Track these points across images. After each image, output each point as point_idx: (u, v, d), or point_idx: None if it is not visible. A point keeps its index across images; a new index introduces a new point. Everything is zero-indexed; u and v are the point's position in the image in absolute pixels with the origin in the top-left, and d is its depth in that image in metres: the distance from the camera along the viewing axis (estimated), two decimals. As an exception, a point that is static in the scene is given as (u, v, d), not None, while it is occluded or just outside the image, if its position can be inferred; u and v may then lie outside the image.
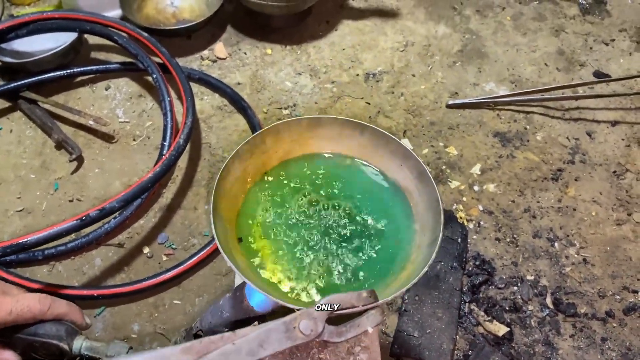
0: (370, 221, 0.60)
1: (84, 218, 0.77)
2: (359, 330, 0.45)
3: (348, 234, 0.59)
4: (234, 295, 0.65)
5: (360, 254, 0.58)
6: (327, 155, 0.65)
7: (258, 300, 0.59)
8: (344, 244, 0.59)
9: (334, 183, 0.63)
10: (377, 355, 0.75)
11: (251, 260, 0.57)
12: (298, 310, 0.44)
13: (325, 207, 0.61)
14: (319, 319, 0.43)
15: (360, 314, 0.45)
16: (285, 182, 0.63)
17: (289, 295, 0.56)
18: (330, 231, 0.60)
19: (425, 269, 0.50)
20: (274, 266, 0.57)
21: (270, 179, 0.64)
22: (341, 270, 0.57)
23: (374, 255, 0.58)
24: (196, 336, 0.67)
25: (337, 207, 0.61)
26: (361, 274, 0.57)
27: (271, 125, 0.61)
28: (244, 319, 0.62)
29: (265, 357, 0.42)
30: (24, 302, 0.55)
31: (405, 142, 1.10)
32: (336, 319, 0.45)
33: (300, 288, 0.56)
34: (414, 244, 0.57)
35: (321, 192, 0.63)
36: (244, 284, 0.63)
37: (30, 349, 0.55)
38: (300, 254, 0.58)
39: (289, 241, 0.59)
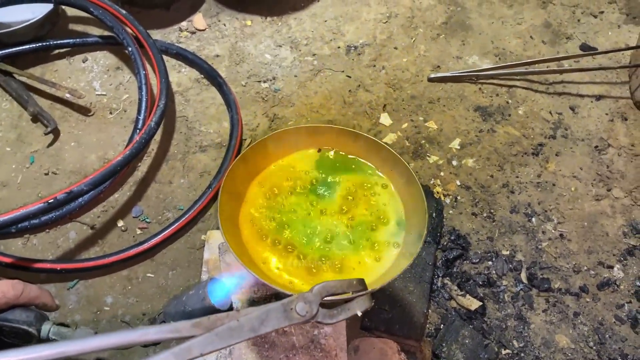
0: (364, 213, 0.65)
1: (51, 201, 0.77)
2: (349, 314, 0.48)
3: (342, 224, 0.64)
4: (196, 293, 0.69)
5: (352, 245, 0.62)
6: (327, 152, 0.70)
7: (219, 298, 0.65)
8: (338, 232, 0.63)
9: (332, 175, 0.68)
10: (341, 328, 0.75)
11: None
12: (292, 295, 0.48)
13: (324, 193, 0.66)
14: (314, 303, 0.47)
15: (350, 299, 0.49)
16: (288, 174, 0.68)
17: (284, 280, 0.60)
18: (327, 220, 0.64)
19: (411, 261, 0.56)
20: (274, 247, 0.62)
21: (274, 169, 0.68)
22: (333, 253, 0.62)
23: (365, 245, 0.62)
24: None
25: (333, 198, 0.66)
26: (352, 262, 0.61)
27: (274, 133, 0.66)
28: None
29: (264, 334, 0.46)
30: None
31: (385, 117, 1.09)
32: (329, 304, 0.49)
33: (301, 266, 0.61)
34: (400, 239, 0.63)
35: (320, 180, 0.68)
36: (207, 282, 0.69)
37: (0, 333, 0.58)
38: (300, 237, 0.63)
39: (291, 225, 0.63)
